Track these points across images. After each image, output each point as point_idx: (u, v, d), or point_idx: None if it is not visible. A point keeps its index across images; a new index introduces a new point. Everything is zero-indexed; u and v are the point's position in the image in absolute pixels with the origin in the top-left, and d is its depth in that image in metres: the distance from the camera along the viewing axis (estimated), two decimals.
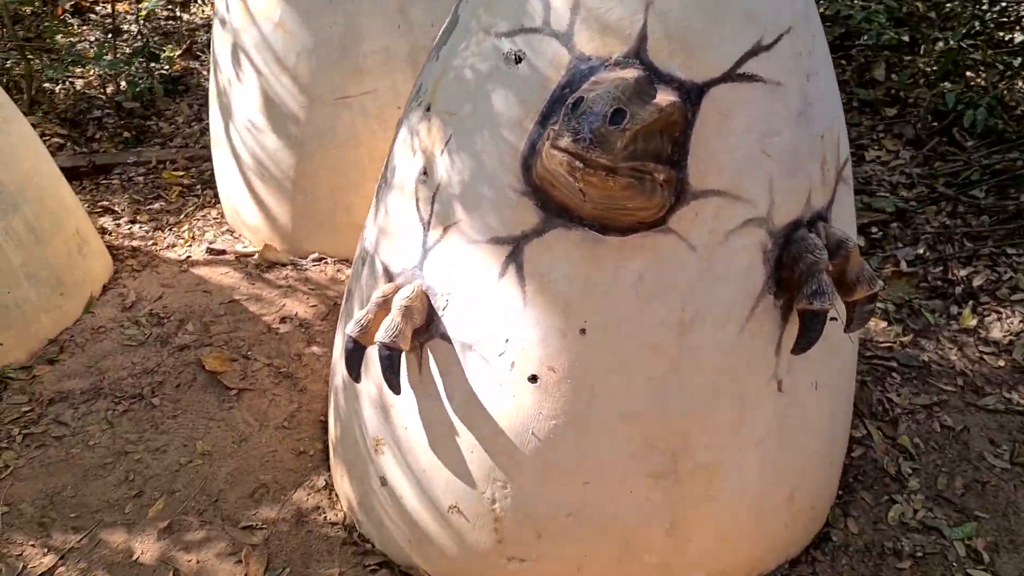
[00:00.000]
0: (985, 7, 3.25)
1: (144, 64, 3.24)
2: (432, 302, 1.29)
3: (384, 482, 1.48)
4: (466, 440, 1.32)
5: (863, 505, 1.63)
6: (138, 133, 3.10)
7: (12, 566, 1.56)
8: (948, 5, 3.34)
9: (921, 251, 2.35)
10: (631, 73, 1.06)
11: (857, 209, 2.43)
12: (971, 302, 2.15)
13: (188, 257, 2.45)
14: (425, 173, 1.29)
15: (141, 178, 2.86)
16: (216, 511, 1.68)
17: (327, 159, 2.22)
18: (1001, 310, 2.12)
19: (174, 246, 2.52)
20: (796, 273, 1.19)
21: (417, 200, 1.31)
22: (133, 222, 2.64)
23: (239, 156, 2.35)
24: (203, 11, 3.99)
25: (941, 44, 3.16)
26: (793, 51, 1.17)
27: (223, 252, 2.46)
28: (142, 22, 3.65)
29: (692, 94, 1.10)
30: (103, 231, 2.58)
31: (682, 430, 1.26)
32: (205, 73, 3.52)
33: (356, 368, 1.33)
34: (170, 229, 2.60)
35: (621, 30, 1.10)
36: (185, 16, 3.92)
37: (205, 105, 3.29)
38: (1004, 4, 3.34)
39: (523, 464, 1.29)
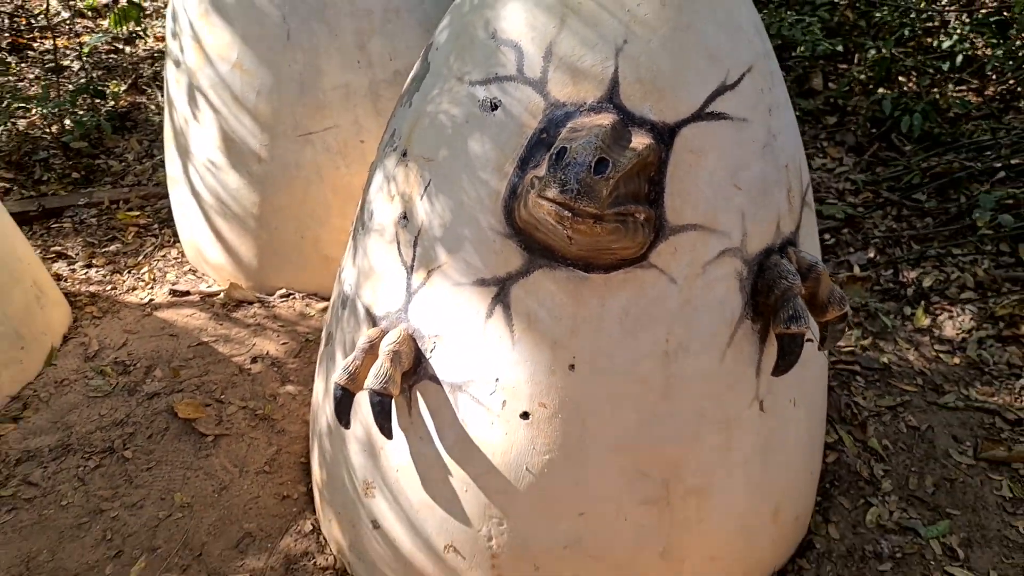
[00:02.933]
0: (913, 15, 3.41)
1: (89, 101, 3.16)
2: (419, 345, 1.30)
3: (376, 525, 1.48)
4: (459, 479, 1.33)
5: (841, 510, 1.69)
6: (87, 173, 3.02)
7: None
8: (878, 14, 3.49)
9: (872, 255, 2.44)
10: (607, 119, 1.09)
11: None
12: (923, 303, 2.25)
13: (150, 300, 2.40)
14: (405, 217, 1.30)
15: (94, 220, 2.78)
16: (201, 566, 1.64)
17: (291, 195, 2.20)
18: (951, 308, 2.22)
19: (134, 289, 2.46)
20: (772, 298, 1.23)
21: (399, 244, 1.31)
22: (89, 266, 2.57)
23: (199, 195, 2.31)
24: (145, 43, 3.92)
25: (874, 52, 3.30)
26: (755, 88, 1.22)
27: (187, 293, 2.42)
28: (84, 58, 3.55)
29: (664, 135, 1.14)
30: (58, 278, 2.50)
31: (672, 457, 1.30)
32: (153, 108, 3.45)
33: (346, 415, 1.32)
34: (129, 272, 2.54)
35: (593, 76, 1.13)
36: (128, 49, 3.84)
37: (156, 140, 3.23)
38: (929, 12, 3.51)
39: (518, 500, 1.31)
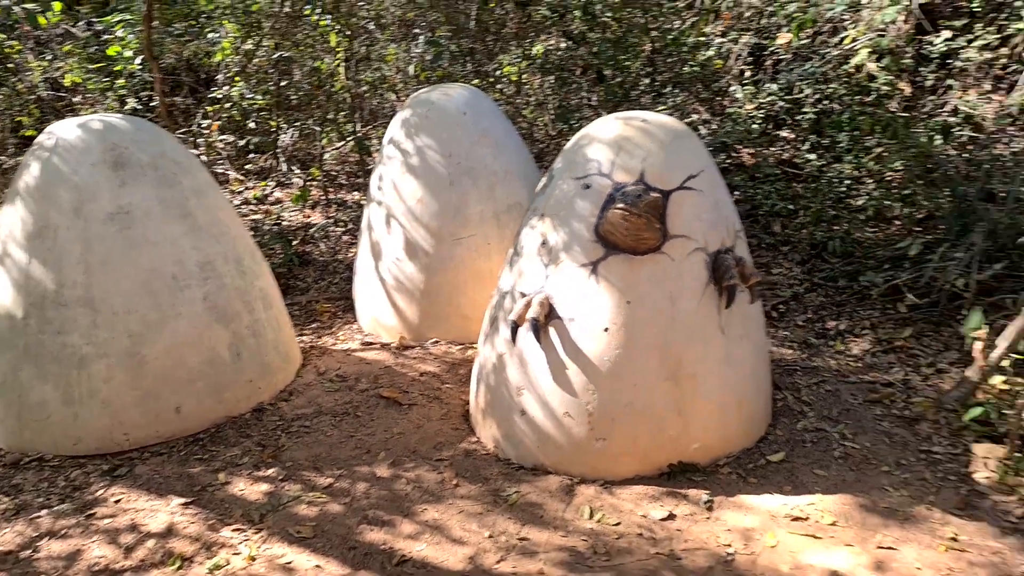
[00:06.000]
0: (838, 187, 5.01)
1: (283, 245, 4.75)
2: (551, 302, 2.65)
3: (523, 412, 2.73)
4: (572, 370, 2.61)
5: (784, 424, 2.91)
6: (284, 290, 4.51)
7: (304, 482, 2.70)
8: (814, 184, 5.10)
9: (809, 315, 3.79)
10: (640, 186, 2.55)
11: (765, 294, 3.92)
12: (839, 338, 3.56)
13: (348, 348, 3.76)
14: (544, 243, 2.73)
15: (298, 312, 4.22)
16: (416, 455, 2.86)
17: (445, 276, 3.64)
18: (856, 340, 3.53)
19: (335, 344, 3.83)
20: (721, 272, 2.60)
21: (539, 255, 2.73)
22: (302, 335, 3.96)
23: (384, 280, 3.76)
24: (304, 215, 5.61)
25: (812, 208, 4.85)
26: (707, 178, 2.69)
27: (371, 344, 3.78)
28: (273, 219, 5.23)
29: (665, 194, 2.59)
30: None
31: (677, 354, 2.59)
32: (316, 254, 5.03)
33: (514, 336, 2.65)
34: (328, 335, 3.93)
35: (633, 171, 2.61)
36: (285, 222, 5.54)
37: (326, 269, 4.75)
38: (848, 183, 5.11)
39: (602, 378, 2.58)
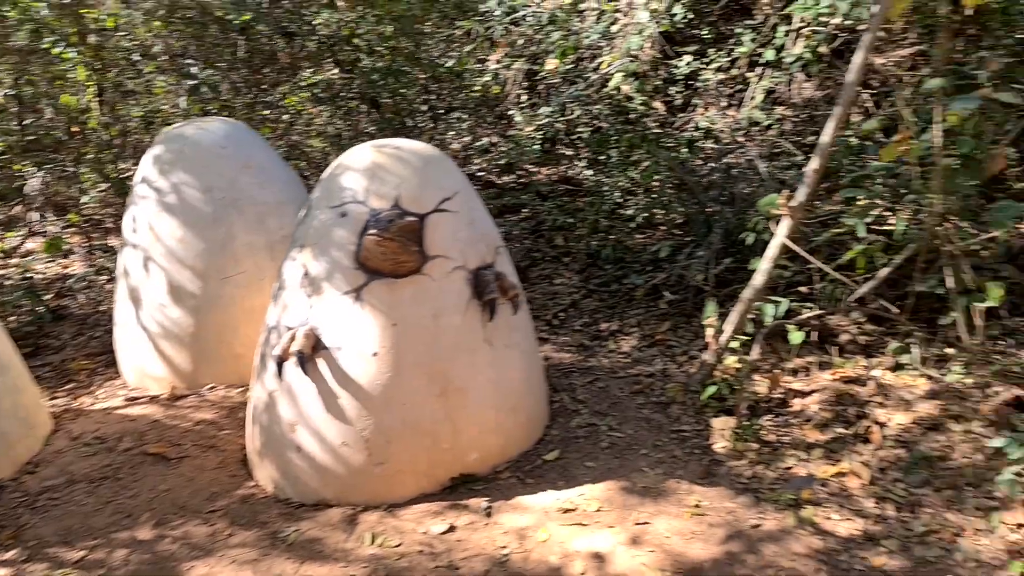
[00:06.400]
0: (611, 200, 5.40)
1: (31, 301, 4.26)
2: (317, 333, 2.60)
3: (299, 448, 2.64)
4: (344, 399, 2.58)
5: (560, 423, 3.06)
6: (34, 350, 4.04)
7: (50, 560, 2.42)
8: (589, 199, 5.47)
9: (586, 319, 4.04)
10: (394, 212, 2.58)
11: (547, 304, 4.13)
12: (612, 337, 3.83)
13: (109, 407, 3.43)
14: (306, 275, 2.67)
15: (51, 374, 3.79)
16: (185, 510, 2.66)
17: (216, 316, 3.45)
18: (626, 338, 3.81)
19: (94, 404, 3.48)
20: (481, 287, 2.70)
21: (301, 286, 2.67)
22: (54, 398, 3.56)
23: (148, 328, 3.48)
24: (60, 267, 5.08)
25: (589, 220, 5.19)
26: (461, 199, 2.78)
27: (137, 398, 3.48)
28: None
29: (421, 217, 2.64)
30: None
31: (444, 370, 2.64)
32: (74, 307, 4.57)
33: (281, 371, 2.56)
34: (87, 395, 3.56)
35: (388, 197, 2.64)
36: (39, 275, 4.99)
37: (84, 324, 4.32)
38: (619, 195, 5.53)
39: (375, 402, 2.57)
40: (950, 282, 2.86)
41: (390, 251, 2.51)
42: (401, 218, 2.57)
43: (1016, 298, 3.48)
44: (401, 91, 4.79)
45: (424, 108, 5.18)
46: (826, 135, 2.83)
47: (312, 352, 2.58)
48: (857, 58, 2.77)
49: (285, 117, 5.28)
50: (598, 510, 2.49)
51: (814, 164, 2.85)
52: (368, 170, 2.67)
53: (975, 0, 2.69)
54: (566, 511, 2.50)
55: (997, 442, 2.36)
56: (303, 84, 4.96)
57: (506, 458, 2.83)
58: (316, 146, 5.27)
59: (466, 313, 2.68)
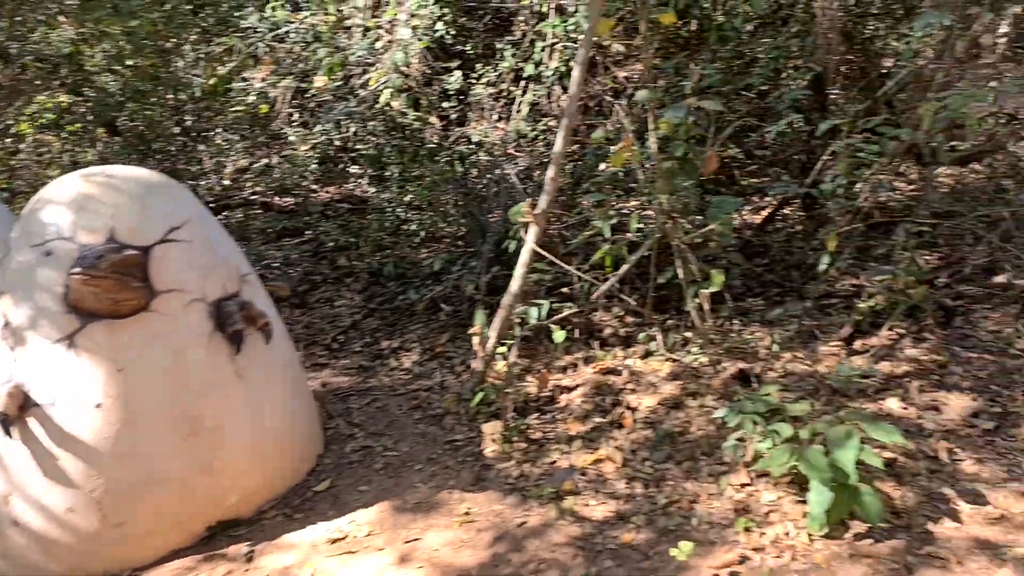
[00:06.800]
0: (392, 216, 5.35)
1: None
2: (24, 389, 2.29)
3: (16, 523, 2.31)
4: (66, 459, 2.29)
5: (334, 450, 2.95)
6: None
7: None
8: (372, 216, 5.37)
9: (367, 339, 3.95)
10: (109, 246, 2.34)
11: (326, 328, 3.98)
12: (393, 355, 3.77)
13: None
14: (6, 324, 2.35)
15: None
16: None
17: None
18: (408, 354, 3.77)
19: None
20: (224, 319, 2.53)
21: (3, 339, 2.34)
22: None
23: None
24: None
25: (371, 237, 5.10)
26: (195, 227, 2.58)
27: None
28: None
29: (144, 250, 2.42)
30: None
31: (191, 410, 2.44)
32: None
33: None
34: None
35: (101, 230, 2.39)
36: None
37: None
38: (402, 211, 5.49)
39: (105, 458, 2.31)
40: (681, 273, 3.12)
41: (104, 290, 2.27)
42: (117, 252, 2.34)
43: (748, 281, 3.89)
44: (145, 113, 4.42)
45: (176, 131, 4.82)
46: (557, 146, 2.98)
47: (20, 412, 2.27)
48: (576, 73, 2.94)
49: (8, 141, 4.69)
50: (368, 534, 2.42)
51: (551, 173, 2.99)
52: (75, 202, 2.40)
53: (670, 19, 2.97)
54: (334, 541, 2.40)
55: (720, 412, 2.59)
56: (26, 112, 4.43)
57: (272, 496, 2.67)
58: (53, 177, 4.71)
59: (209, 348, 2.50)
